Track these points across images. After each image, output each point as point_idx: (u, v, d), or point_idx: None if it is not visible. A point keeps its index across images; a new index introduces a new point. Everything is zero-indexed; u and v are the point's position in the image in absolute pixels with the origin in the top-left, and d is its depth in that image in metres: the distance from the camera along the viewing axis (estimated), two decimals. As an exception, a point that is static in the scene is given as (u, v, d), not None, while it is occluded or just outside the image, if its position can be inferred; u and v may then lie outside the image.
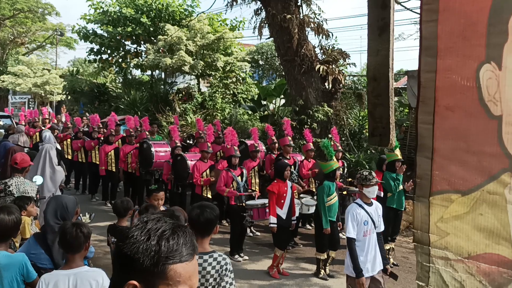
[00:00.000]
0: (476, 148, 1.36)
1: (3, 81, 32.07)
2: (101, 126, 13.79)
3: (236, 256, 8.23)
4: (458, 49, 1.38)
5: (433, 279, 1.47)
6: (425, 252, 1.42)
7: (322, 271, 7.50)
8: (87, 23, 24.73)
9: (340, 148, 9.90)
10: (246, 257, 8.31)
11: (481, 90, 1.35)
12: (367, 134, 13.30)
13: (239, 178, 8.49)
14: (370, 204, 5.30)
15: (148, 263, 1.24)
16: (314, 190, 9.42)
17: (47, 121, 17.59)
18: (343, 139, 12.33)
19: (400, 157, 8.17)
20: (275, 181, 7.65)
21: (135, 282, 1.25)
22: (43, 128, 15.13)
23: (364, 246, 5.21)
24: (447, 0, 1.36)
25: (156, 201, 5.33)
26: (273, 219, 7.42)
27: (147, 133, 12.12)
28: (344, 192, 9.42)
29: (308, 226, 10.37)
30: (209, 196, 9.30)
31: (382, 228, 5.39)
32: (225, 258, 3.22)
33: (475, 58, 1.34)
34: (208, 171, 9.21)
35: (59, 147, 12.00)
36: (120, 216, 5.57)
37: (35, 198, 5.42)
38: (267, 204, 7.80)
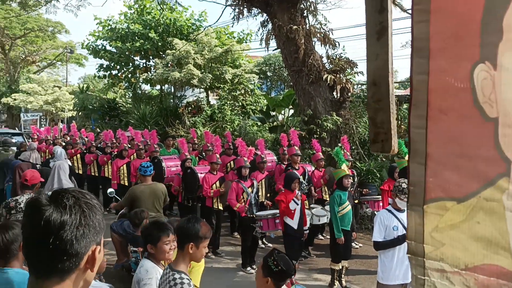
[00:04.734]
0: (471, 152, 1.29)
1: (15, 99, 32.53)
2: (114, 141, 13.88)
3: (248, 268, 8.16)
4: (451, 49, 1.32)
5: None
6: (420, 264, 1.35)
7: (337, 282, 7.36)
8: (96, 40, 25.07)
9: (350, 158, 9.79)
10: (259, 269, 8.21)
11: (475, 91, 1.28)
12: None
13: (249, 190, 8.44)
14: (402, 211, 5.22)
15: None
16: (327, 199, 9.33)
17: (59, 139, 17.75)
18: (353, 147, 12.22)
19: None
20: (283, 191, 7.60)
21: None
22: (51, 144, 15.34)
23: (395, 251, 5.14)
24: (439, 1, 1.32)
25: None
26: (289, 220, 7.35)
27: (156, 146, 12.19)
28: (356, 201, 9.32)
29: (320, 236, 10.25)
30: (220, 208, 9.25)
31: None
32: (182, 279, 3.10)
33: (469, 58, 1.28)
34: (217, 183, 9.17)
35: (69, 163, 12.11)
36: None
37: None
38: (277, 215, 7.74)
